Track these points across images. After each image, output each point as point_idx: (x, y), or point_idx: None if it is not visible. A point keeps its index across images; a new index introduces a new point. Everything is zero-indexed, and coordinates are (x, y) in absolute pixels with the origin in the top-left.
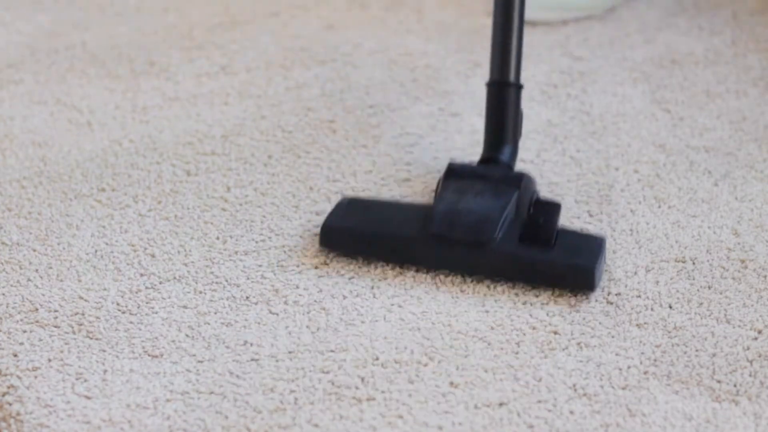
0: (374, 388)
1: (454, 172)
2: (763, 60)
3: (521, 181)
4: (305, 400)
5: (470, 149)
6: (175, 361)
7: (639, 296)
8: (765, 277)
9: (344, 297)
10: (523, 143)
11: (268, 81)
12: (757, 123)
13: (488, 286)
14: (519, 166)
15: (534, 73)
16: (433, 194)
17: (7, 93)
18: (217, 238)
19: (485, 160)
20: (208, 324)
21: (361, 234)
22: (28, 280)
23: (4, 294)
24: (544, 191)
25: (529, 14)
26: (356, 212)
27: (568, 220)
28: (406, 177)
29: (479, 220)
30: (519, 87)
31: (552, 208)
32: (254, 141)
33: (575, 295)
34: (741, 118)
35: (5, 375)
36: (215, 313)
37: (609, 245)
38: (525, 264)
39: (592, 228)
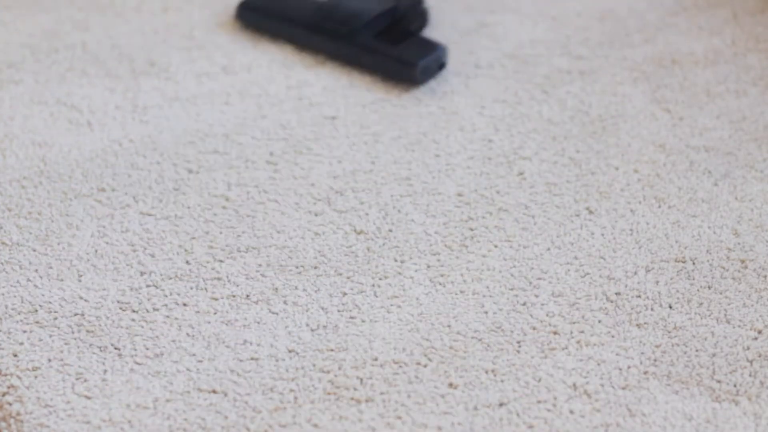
0: (373, 388)
1: None
2: (763, 60)
3: None
4: (305, 399)
5: (470, 146)
6: (176, 361)
7: (639, 296)
8: (765, 277)
9: (344, 295)
10: (522, 142)
11: (269, 80)
12: (757, 123)
13: (487, 287)
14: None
15: (534, 72)
16: None
17: (7, 93)
18: (218, 237)
19: None
20: (209, 323)
21: (268, 15)
22: (28, 280)
23: (4, 294)
24: (542, 191)
25: None
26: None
27: (567, 218)
28: (406, 176)
29: (349, 15)
30: None
31: (411, 16)
32: (255, 140)
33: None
34: (741, 118)
35: (5, 375)
36: (215, 313)
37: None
38: (371, 55)
39: (591, 224)
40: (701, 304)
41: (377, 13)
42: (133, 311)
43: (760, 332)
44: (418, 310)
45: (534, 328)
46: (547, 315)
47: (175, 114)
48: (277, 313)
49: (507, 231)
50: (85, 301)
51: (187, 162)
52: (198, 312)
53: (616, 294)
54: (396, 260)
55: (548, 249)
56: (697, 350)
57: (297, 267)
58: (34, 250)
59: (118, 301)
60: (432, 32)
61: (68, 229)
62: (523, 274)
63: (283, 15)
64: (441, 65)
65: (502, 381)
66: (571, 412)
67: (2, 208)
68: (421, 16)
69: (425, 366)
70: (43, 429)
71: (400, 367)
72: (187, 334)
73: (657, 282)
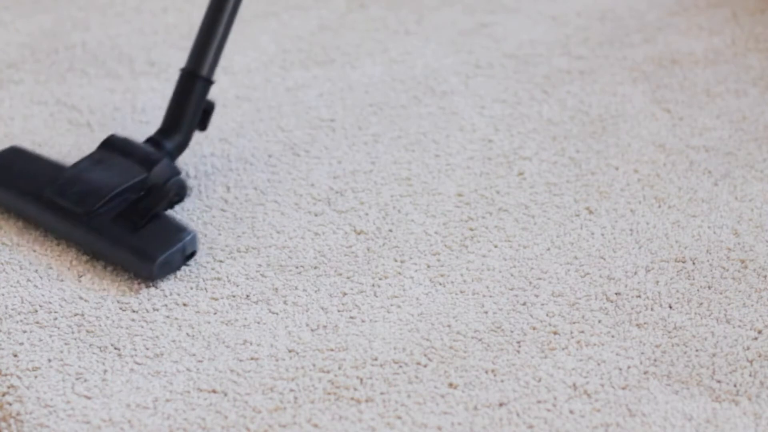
0: (373, 388)
1: (108, 143)
2: (763, 60)
3: (155, 165)
4: (305, 399)
5: (470, 146)
6: (176, 361)
7: (639, 296)
8: (765, 277)
9: (344, 295)
10: (522, 142)
11: (267, 81)
12: (757, 123)
13: (487, 287)
14: (525, 162)
15: (534, 72)
16: None
17: (7, 93)
18: (218, 238)
19: (149, 140)
20: (209, 323)
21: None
22: (28, 280)
23: (4, 294)
24: (542, 191)
25: None
26: (15, 164)
27: (567, 218)
28: (407, 176)
29: (88, 191)
30: (209, 82)
31: (156, 195)
32: (254, 141)
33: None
34: (741, 118)
35: (5, 375)
36: (215, 313)
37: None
38: (103, 242)
39: (591, 224)
40: (701, 304)
41: (118, 191)
42: (133, 311)
43: (760, 332)
44: (418, 310)
45: (534, 328)
46: (547, 315)
47: None
48: (277, 313)
49: (507, 231)
50: (85, 301)
51: (185, 164)
52: (198, 312)
53: (616, 294)
54: (396, 260)
55: (548, 249)
56: (697, 350)
57: (297, 267)
58: (34, 251)
59: (118, 301)
60: (431, 33)
61: None
62: (523, 274)
63: (15, 185)
64: (190, 255)
65: (502, 381)
66: (571, 412)
67: (2, 208)
68: (167, 193)
69: (425, 366)
70: (43, 429)
71: (400, 367)
72: (187, 334)
73: (657, 282)
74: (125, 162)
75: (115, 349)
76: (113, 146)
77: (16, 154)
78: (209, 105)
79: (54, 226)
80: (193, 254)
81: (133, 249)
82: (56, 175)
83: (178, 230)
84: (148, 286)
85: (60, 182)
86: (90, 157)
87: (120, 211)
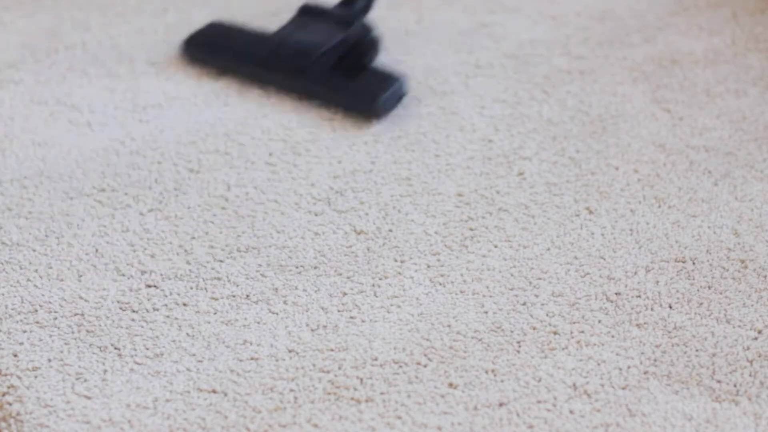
0: (373, 388)
1: (305, 9)
2: (763, 60)
3: (351, 25)
4: (305, 399)
5: (470, 146)
6: (176, 361)
7: (639, 296)
8: (765, 277)
9: (344, 295)
10: (522, 142)
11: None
12: (757, 123)
13: (487, 287)
14: (523, 162)
15: (534, 72)
16: None
17: (7, 93)
18: (218, 237)
19: (341, 3)
20: (209, 323)
21: (217, 51)
22: (28, 280)
23: (4, 294)
24: (542, 191)
25: None
26: (217, 34)
27: (567, 218)
28: (407, 176)
29: (301, 50)
30: None
31: (366, 49)
32: (255, 140)
33: (369, 125)
34: (741, 118)
35: (5, 375)
36: (215, 313)
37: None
38: (327, 88)
39: (591, 224)
40: (701, 304)
41: (327, 47)
42: (133, 311)
43: (760, 332)
44: (418, 310)
45: (534, 328)
46: (547, 315)
47: (176, 114)
48: (277, 313)
49: (507, 231)
50: (85, 301)
51: (187, 162)
52: (198, 312)
53: (616, 294)
54: (396, 260)
55: (548, 249)
56: (697, 350)
57: (297, 267)
58: (34, 250)
59: (118, 301)
60: (431, 32)
61: (68, 229)
62: (523, 274)
63: (229, 50)
64: (400, 96)
65: (502, 381)
66: (571, 412)
67: (2, 207)
68: (372, 46)
69: (425, 366)
70: (43, 429)
71: (400, 367)
72: (187, 334)
73: (657, 282)
74: (323, 23)
75: (115, 349)
76: (310, 11)
77: (219, 26)
78: None
79: (276, 80)
80: (402, 97)
81: (356, 92)
82: (266, 39)
83: (391, 75)
84: (148, 286)
85: (275, 43)
86: (292, 22)
87: (332, 65)
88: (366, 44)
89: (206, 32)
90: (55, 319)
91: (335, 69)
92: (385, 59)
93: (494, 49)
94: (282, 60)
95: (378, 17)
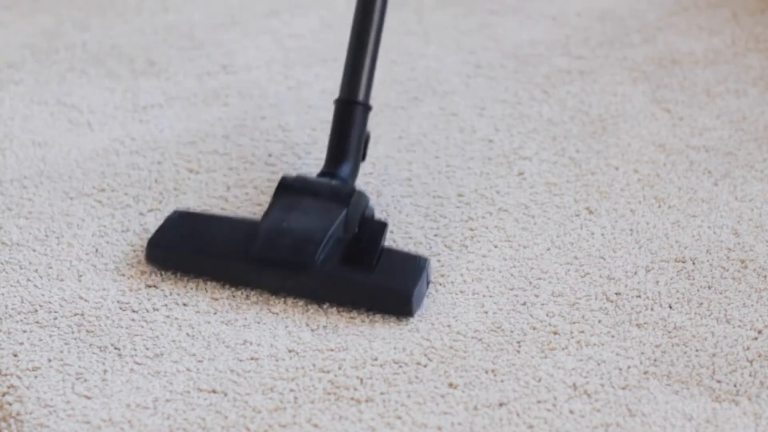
0: (373, 388)
1: (286, 186)
2: (763, 60)
3: (351, 198)
4: (305, 399)
5: (469, 147)
6: (176, 361)
7: (639, 296)
8: (765, 277)
9: None
10: (522, 142)
11: (268, 80)
12: (757, 123)
13: (487, 287)
14: (524, 163)
15: (534, 72)
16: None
17: (7, 93)
18: None
19: (323, 174)
20: (209, 323)
21: (187, 253)
22: (28, 280)
23: (4, 294)
24: (542, 191)
25: None
26: (184, 228)
27: (567, 218)
28: (407, 176)
29: (301, 240)
30: (367, 107)
31: (376, 228)
32: (254, 141)
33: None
34: (741, 118)
35: (5, 375)
36: (215, 313)
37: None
38: (344, 287)
39: (591, 224)
40: (701, 304)
41: (331, 232)
42: (133, 311)
43: (760, 332)
44: (418, 310)
45: (534, 328)
46: (547, 315)
47: (175, 114)
48: (277, 313)
49: (507, 231)
50: (85, 301)
51: (187, 162)
52: (198, 312)
53: (616, 294)
54: None
55: (548, 249)
56: (697, 350)
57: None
58: (34, 250)
59: (118, 301)
60: (432, 33)
61: (68, 229)
62: (523, 274)
63: (205, 248)
64: (429, 281)
65: (502, 381)
66: (571, 412)
67: (2, 207)
68: (379, 222)
69: (425, 366)
70: (43, 429)
71: (400, 367)
72: (187, 334)
73: (657, 282)
74: (316, 202)
75: (115, 349)
76: (294, 188)
77: (183, 217)
78: (366, 135)
79: (270, 282)
80: (430, 280)
81: (381, 288)
82: (249, 231)
83: (414, 259)
84: (148, 286)
85: (263, 237)
86: (277, 206)
87: (343, 253)
88: (371, 219)
89: (171, 227)
90: (55, 319)
91: (345, 258)
92: (386, 60)
93: (494, 49)
94: (276, 255)
95: None
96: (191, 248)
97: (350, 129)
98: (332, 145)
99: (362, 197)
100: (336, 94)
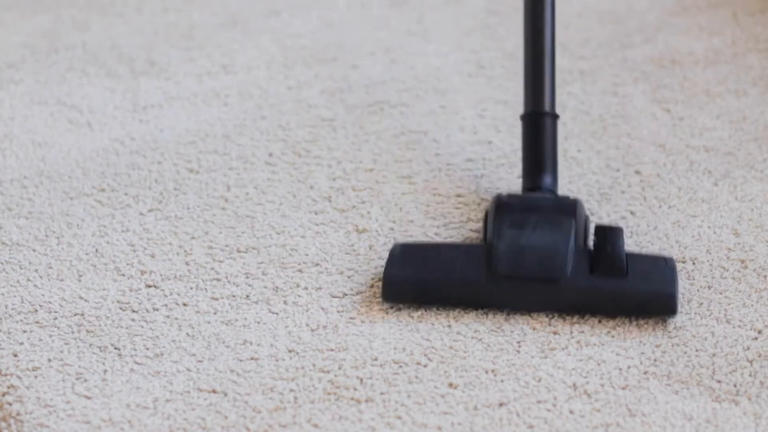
0: (373, 388)
1: (505, 205)
2: (763, 60)
3: (575, 208)
4: (305, 399)
5: (470, 147)
6: (176, 361)
7: None
8: (765, 277)
9: (344, 295)
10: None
11: (268, 80)
12: (757, 123)
13: None
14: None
15: None
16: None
17: (7, 93)
18: (217, 237)
19: (530, 189)
20: (209, 323)
21: (426, 282)
22: (28, 280)
23: (4, 294)
24: None
25: None
26: (413, 259)
27: None
28: (408, 174)
29: (546, 255)
30: (554, 116)
31: (616, 234)
32: (254, 140)
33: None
34: (741, 118)
35: (5, 375)
36: (215, 313)
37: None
38: (603, 296)
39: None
40: (701, 304)
41: (572, 243)
42: (133, 311)
43: (760, 332)
44: (419, 310)
45: (534, 328)
46: (546, 315)
47: (175, 114)
48: (277, 313)
49: None
50: (85, 301)
51: (187, 162)
52: (198, 312)
53: None
54: None
55: None
56: (697, 350)
57: (297, 266)
58: (34, 250)
59: (118, 301)
60: (433, 32)
61: (68, 229)
62: None
63: (445, 275)
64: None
65: (502, 381)
66: (571, 412)
67: (2, 207)
68: (613, 229)
69: (425, 366)
70: (43, 429)
71: (400, 367)
72: (187, 334)
73: None
74: (543, 216)
75: (115, 349)
76: (514, 206)
77: (407, 249)
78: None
79: (520, 299)
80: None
81: (644, 293)
82: (483, 253)
83: (662, 259)
84: (148, 286)
85: (506, 256)
86: (505, 225)
87: (589, 263)
88: (606, 229)
89: (400, 261)
90: (55, 319)
91: (593, 268)
92: (385, 58)
93: (496, 48)
94: (525, 272)
95: (379, 16)
96: (430, 277)
97: (543, 141)
98: (529, 160)
99: (581, 206)
100: (335, 94)
